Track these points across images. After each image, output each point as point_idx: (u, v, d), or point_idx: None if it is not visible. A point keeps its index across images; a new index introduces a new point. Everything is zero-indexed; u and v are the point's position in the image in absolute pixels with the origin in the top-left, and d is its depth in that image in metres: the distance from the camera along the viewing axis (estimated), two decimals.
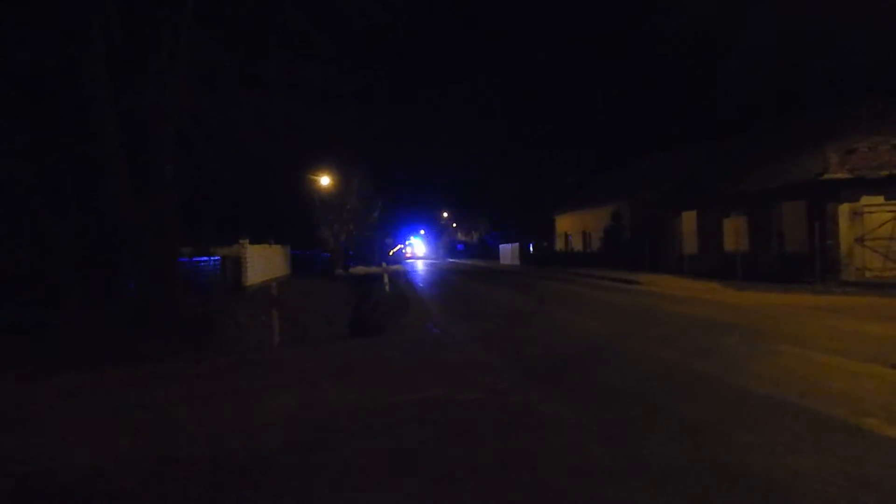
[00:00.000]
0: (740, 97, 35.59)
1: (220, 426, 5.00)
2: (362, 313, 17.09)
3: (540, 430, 4.65)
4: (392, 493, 3.58)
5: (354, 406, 5.50)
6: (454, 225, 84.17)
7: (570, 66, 71.64)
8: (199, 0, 11.06)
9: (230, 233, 19.52)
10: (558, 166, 53.69)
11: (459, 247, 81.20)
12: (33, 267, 10.84)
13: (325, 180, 32.63)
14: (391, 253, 69.11)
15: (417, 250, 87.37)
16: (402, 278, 29.08)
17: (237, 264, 19.38)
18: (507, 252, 54.16)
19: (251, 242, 20.46)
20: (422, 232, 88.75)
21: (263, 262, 22.58)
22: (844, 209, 16.93)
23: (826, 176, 17.07)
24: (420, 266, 51.05)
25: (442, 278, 30.78)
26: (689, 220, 24.52)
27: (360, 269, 41.01)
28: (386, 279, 22.85)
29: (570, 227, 40.81)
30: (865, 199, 16.77)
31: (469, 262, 61.18)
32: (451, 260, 68.49)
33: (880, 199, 16.63)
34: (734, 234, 20.96)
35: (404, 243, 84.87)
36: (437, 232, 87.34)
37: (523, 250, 50.38)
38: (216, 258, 18.14)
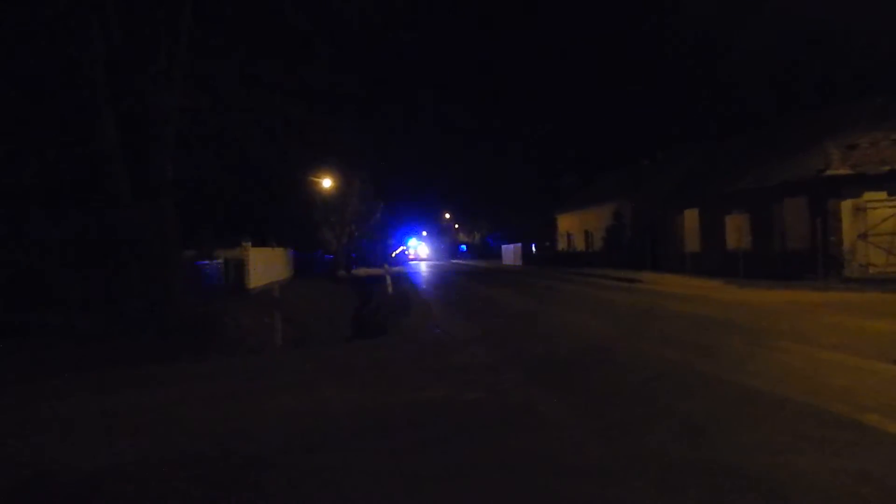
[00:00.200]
0: (741, 95, 35.55)
1: (222, 427, 4.99)
2: (364, 315, 17.11)
3: (541, 431, 4.64)
4: (392, 494, 3.57)
5: (355, 406, 5.49)
6: (456, 226, 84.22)
7: (570, 65, 71.64)
8: (199, 1, 11.08)
9: (232, 235, 19.53)
10: (559, 167, 53.66)
11: (462, 248, 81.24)
12: (33, 268, 10.85)
13: (326, 182, 32.67)
14: (393, 254, 69.15)
15: (420, 252, 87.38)
16: (405, 280, 29.08)
17: (239, 267, 19.40)
18: (510, 252, 54.16)
19: (253, 245, 20.48)
20: (424, 233, 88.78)
21: (266, 265, 22.59)
22: (847, 205, 16.87)
23: (828, 172, 17.00)
24: (423, 267, 51.04)
25: (444, 279, 30.77)
26: (690, 219, 24.47)
27: (362, 271, 41.04)
28: (388, 281, 22.88)
29: (572, 227, 40.78)
30: (868, 195, 16.71)
31: (471, 262, 61.17)
32: (454, 261, 68.47)
33: (883, 195, 16.58)
34: (736, 231, 20.92)
35: (407, 245, 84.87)
36: (440, 233, 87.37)
37: (525, 250, 50.39)
38: (218, 261, 18.17)
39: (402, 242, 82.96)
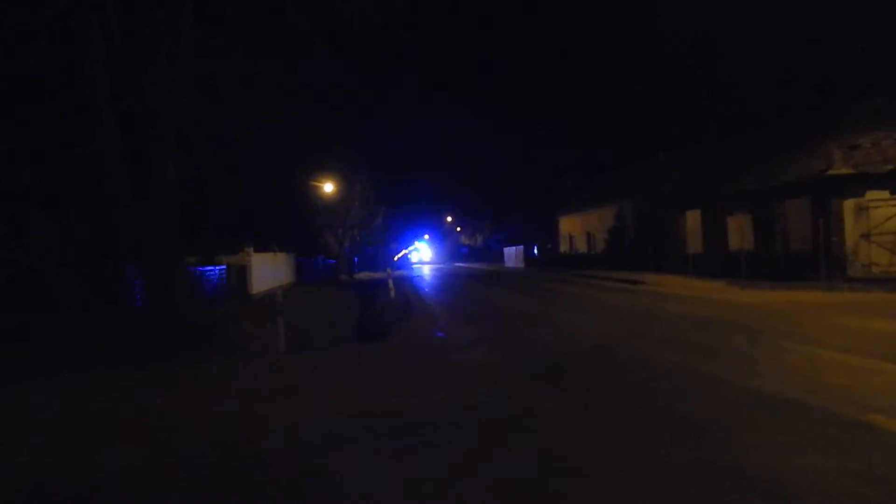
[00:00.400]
0: (742, 96, 35.52)
1: (223, 430, 4.99)
2: (366, 319, 17.10)
3: (542, 432, 4.63)
4: (394, 496, 3.56)
5: (357, 410, 5.49)
6: (458, 229, 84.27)
7: (571, 66, 71.73)
8: (199, 1, 11.10)
9: (234, 241, 19.59)
10: (560, 168, 53.67)
11: (463, 250, 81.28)
12: (33, 269, 10.87)
13: (328, 186, 32.75)
14: (396, 258, 69.16)
15: (423, 255, 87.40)
16: (407, 283, 29.08)
17: (242, 272, 19.44)
18: (512, 255, 54.17)
19: (255, 250, 20.52)
20: (426, 237, 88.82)
21: (268, 270, 22.63)
22: (849, 205, 16.84)
23: (830, 172, 16.98)
24: (425, 271, 51.05)
25: (446, 282, 30.77)
26: (692, 220, 24.45)
27: (364, 275, 41.08)
28: (391, 284, 22.86)
29: (574, 229, 40.76)
30: (870, 195, 16.67)
31: (473, 265, 61.17)
32: (456, 264, 68.48)
33: (885, 194, 16.54)
34: (738, 232, 20.89)
35: (409, 248, 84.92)
36: (442, 236, 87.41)
37: (527, 253, 50.40)
38: (221, 267, 18.21)
39: (404, 246, 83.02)
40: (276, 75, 13.08)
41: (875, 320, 9.55)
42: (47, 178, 11.02)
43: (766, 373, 6.14)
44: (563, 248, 42.59)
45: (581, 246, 39.09)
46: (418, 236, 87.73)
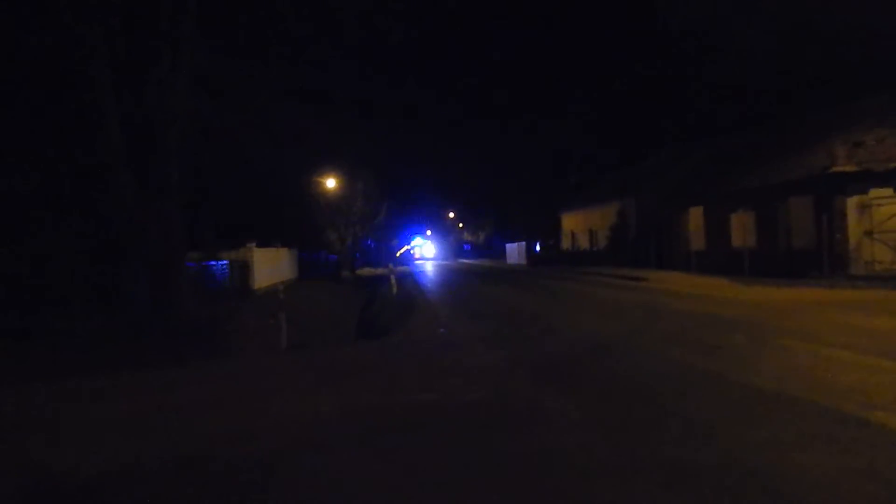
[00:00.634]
0: (745, 93, 35.42)
1: (225, 428, 5.01)
2: (369, 315, 17.12)
3: (545, 430, 4.63)
4: (396, 494, 3.57)
5: (359, 407, 5.50)
6: (460, 225, 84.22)
7: (572, 64, 71.54)
8: (202, 6, 11.12)
9: (237, 237, 19.61)
10: (564, 164, 53.57)
11: (466, 247, 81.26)
12: (38, 269, 10.91)
13: (330, 183, 32.75)
14: (398, 254, 69.20)
15: (425, 251, 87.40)
16: (409, 280, 29.09)
17: (244, 268, 19.47)
18: (514, 251, 54.14)
19: (258, 246, 20.54)
20: (428, 233, 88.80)
21: (270, 266, 22.66)
22: (852, 202, 16.80)
23: (833, 169, 16.93)
24: (427, 267, 51.06)
25: (448, 279, 30.77)
26: (695, 217, 24.41)
27: (366, 272, 41.11)
28: (393, 281, 22.87)
29: (576, 226, 40.72)
30: (874, 192, 16.62)
31: (475, 262, 61.16)
32: (459, 260, 68.47)
33: (889, 192, 16.49)
34: (741, 229, 20.86)
35: (411, 244, 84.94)
36: (444, 232, 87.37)
37: (529, 249, 50.36)
38: (223, 262, 18.24)
39: (406, 242, 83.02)
40: (279, 75, 13.10)
41: (877, 318, 9.53)
42: (52, 180, 11.05)
43: (769, 370, 6.14)
44: (566, 245, 42.55)
45: (583, 243, 39.05)
46: (420, 233, 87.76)
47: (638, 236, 30.57)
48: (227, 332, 11.65)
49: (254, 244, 20.07)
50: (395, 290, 20.96)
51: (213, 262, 17.58)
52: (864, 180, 16.61)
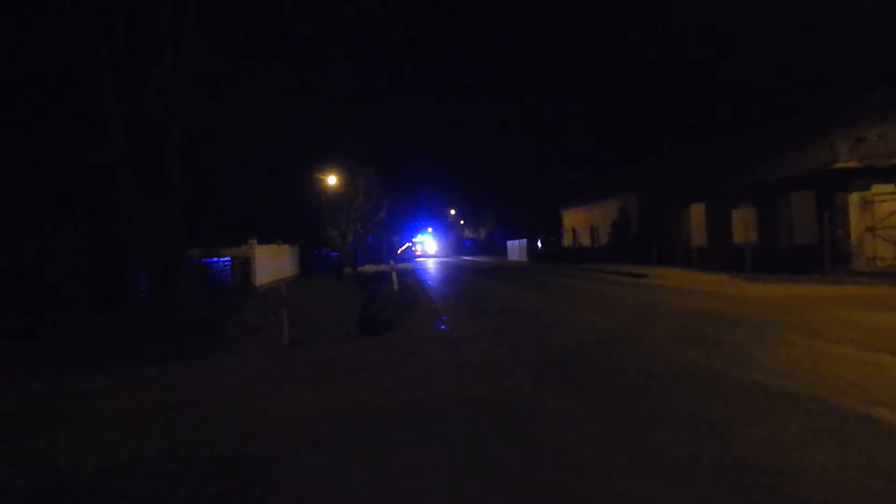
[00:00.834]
0: (747, 89, 35.32)
1: (228, 426, 5.02)
2: (371, 312, 17.13)
3: (548, 426, 4.64)
4: (397, 491, 3.58)
5: (362, 404, 5.51)
6: (461, 222, 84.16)
7: (573, 61, 71.35)
8: (202, 6, 11.11)
9: (238, 233, 19.62)
10: (565, 161, 53.46)
11: (467, 243, 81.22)
12: (41, 271, 10.94)
13: (332, 179, 32.72)
14: (399, 251, 69.17)
15: (427, 248, 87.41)
16: (411, 276, 29.10)
17: (246, 265, 19.49)
18: (515, 248, 54.12)
19: (259, 243, 20.55)
20: (429, 230, 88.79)
21: (272, 263, 22.68)
22: (854, 198, 16.77)
23: (835, 165, 16.90)
24: (429, 264, 51.06)
25: (449, 275, 30.78)
26: (697, 213, 24.38)
27: (368, 268, 41.11)
28: (394, 277, 22.88)
29: (578, 223, 40.70)
30: (876, 188, 16.61)
31: (477, 258, 61.14)
32: (461, 257, 68.48)
33: (891, 188, 16.47)
34: (743, 225, 20.84)
35: (412, 241, 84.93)
36: (445, 229, 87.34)
37: (531, 246, 50.34)
38: (225, 259, 18.26)
39: (407, 239, 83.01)
40: (279, 73, 13.09)
41: (879, 314, 9.53)
42: (52, 178, 11.06)
43: (770, 366, 6.14)
44: (567, 241, 42.53)
45: (584, 240, 39.04)
46: (422, 229, 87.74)
47: (639, 233, 30.55)
48: (229, 330, 11.67)
49: (255, 241, 20.09)
50: (396, 286, 20.96)
51: (214, 260, 17.59)
52: (866, 176, 16.58)
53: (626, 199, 32.34)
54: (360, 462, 4.04)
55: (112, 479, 3.93)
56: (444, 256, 75.23)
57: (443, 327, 10.97)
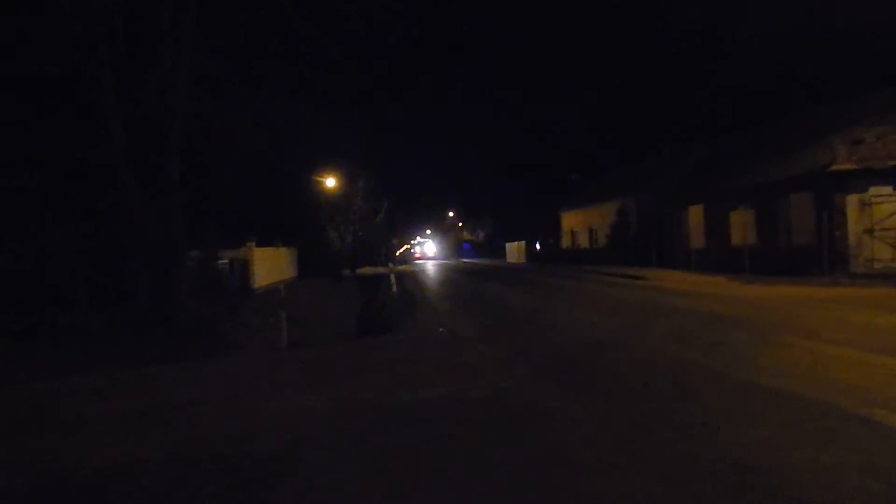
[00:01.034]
0: (745, 91, 35.40)
1: (227, 427, 5.02)
2: (369, 314, 17.13)
3: (546, 427, 4.64)
4: (397, 492, 3.58)
5: (362, 405, 5.51)
6: (460, 224, 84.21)
7: (572, 62, 71.46)
8: (203, 4, 11.11)
9: (237, 235, 19.60)
10: (564, 163, 53.54)
11: (465, 245, 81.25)
12: (40, 271, 10.92)
13: (330, 182, 32.70)
14: (398, 253, 69.17)
15: (425, 250, 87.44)
16: (409, 278, 29.10)
17: (244, 267, 19.47)
18: (514, 250, 54.14)
19: (258, 245, 20.54)
20: (428, 232, 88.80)
21: (270, 265, 22.66)
22: (853, 200, 16.80)
23: (833, 167, 16.93)
24: (427, 266, 51.07)
25: (448, 278, 30.78)
26: (695, 215, 24.40)
27: (367, 270, 41.07)
28: (393, 280, 22.88)
29: (576, 224, 40.72)
30: (874, 190, 16.63)
31: (475, 260, 61.18)
32: (458, 259, 68.48)
33: (889, 190, 16.49)
34: (741, 227, 20.85)
35: (411, 243, 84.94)
36: (444, 231, 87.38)
37: (529, 248, 50.37)
38: (223, 261, 18.24)
39: (406, 241, 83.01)
40: (279, 74, 13.09)
41: (877, 315, 9.54)
42: (52, 178, 11.04)
43: (769, 368, 6.15)
44: (566, 243, 42.54)
45: (583, 241, 39.05)
46: (420, 232, 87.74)
47: (638, 235, 30.56)
48: (228, 331, 11.66)
49: (254, 243, 20.07)
50: (395, 288, 20.96)
51: (213, 261, 17.57)
52: (865, 178, 16.61)
53: (625, 201, 32.36)
54: (360, 462, 4.04)
55: (112, 479, 3.93)
56: (443, 258, 75.25)
57: (441, 329, 10.97)
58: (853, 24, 25.56)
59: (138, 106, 10.65)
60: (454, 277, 30.56)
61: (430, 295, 19.22)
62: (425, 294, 19.48)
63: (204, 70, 11.57)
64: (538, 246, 49.57)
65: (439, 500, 3.44)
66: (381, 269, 40.48)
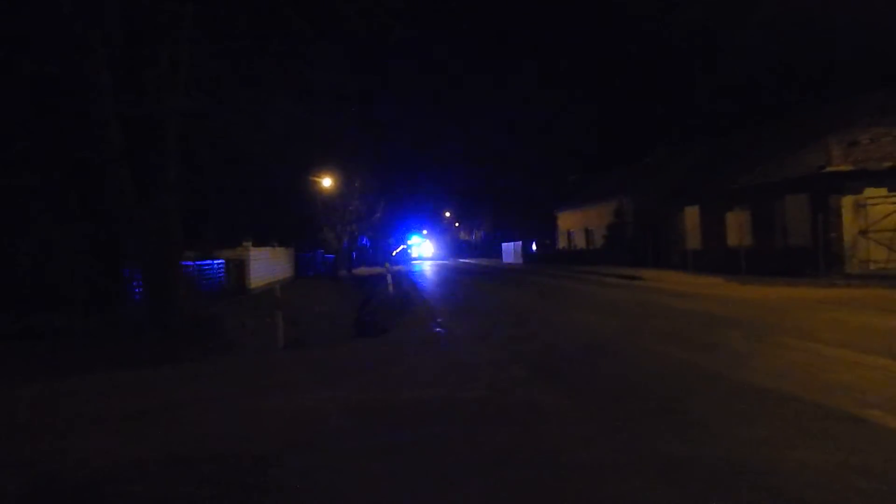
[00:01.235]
0: (742, 92, 35.53)
1: (225, 427, 5.01)
2: (366, 314, 17.11)
3: (545, 427, 4.65)
4: (395, 491, 3.58)
5: (357, 406, 5.51)
6: (457, 224, 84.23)
7: (570, 62, 71.57)
8: (202, 3, 11.07)
9: (233, 235, 19.56)
10: (561, 163, 53.60)
11: (462, 245, 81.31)
12: (37, 272, 10.89)
13: (327, 182, 32.66)
14: (394, 253, 69.20)
15: (421, 250, 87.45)
16: (406, 278, 29.09)
17: (240, 267, 19.43)
18: (510, 250, 54.18)
19: (254, 245, 20.50)
20: (424, 232, 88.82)
21: (267, 265, 22.63)
22: (848, 201, 16.88)
23: (829, 168, 17.02)
24: (423, 266, 51.08)
25: (444, 278, 30.79)
26: (691, 216, 24.47)
27: (363, 270, 41.08)
28: (389, 280, 22.87)
29: (573, 225, 40.79)
30: (869, 191, 16.71)
31: (472, 260, 61.22)
32: (455, 259, 68.53)
33: (884, 191, 16.58)
34: (737, 228, 20.92)
35: (407, 243, 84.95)
36: (440, 231, 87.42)
37: (526, 249, 50.41)
38: (220, 261, 18.21)
39: (402, 241, 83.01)
40: (276, 73, 13.05)
41: (872, 316, 9.59)
42: (49, 179, 11.00)
43: (764, 368, 6.17)
44: (562, 244, 42.61)
45: (580, 242, 39.11)
46: (417, 232, 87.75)
47: (635, 235, 30.64)
48: (224, 331, 11.63)
49: (250, 243, 20.03)
50: (391, 288, 20.95)
51: (209, 261, 17.54)
52: (859, 179, 16.70)
53: (622, 202, 32.43)
54: (358, 463, 4.04)
55: (111, 479, 3.92)
56: (440, 258, 75.26)
57: (437, 329, 10.97)
58: (850, 26, 25.67)
59: (136, 106, 10.61)
60: (451, 277, 30.57)
61: (426, 295, 19.22)
62: (421, 294, 19.48)
63: (202, 70, 11.54)
64: (534, 246, 49.62)
65: (439, 500, 3.45)
66: (377, 269, 40.46)
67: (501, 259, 55.86)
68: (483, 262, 55.62)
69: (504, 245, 56.85)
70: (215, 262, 17.95)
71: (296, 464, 4.06)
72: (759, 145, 23.57)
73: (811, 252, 17.35)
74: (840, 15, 25.15)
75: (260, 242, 21.63)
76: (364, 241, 50.14)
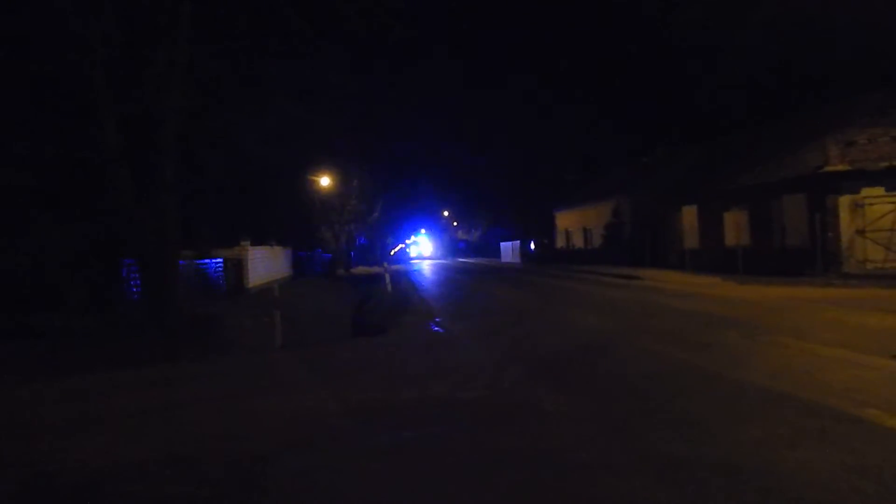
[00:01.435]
0: (740, 92, 35.59)
1: (225, 427, 5.02)
2: (364, 313, 17.11)
3: (542, 427, 4.67)
4: (394, 491, 3.59)
5: (355, 406, 5.52)
6: (455, 223, 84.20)
7: (569, 62, 71.51)
8: (199, 4, 11.06)
9: (231, 234, 19.54)
10: (559, 163, 53.60)
11: (460, 245, 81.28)
12: (36, 272, 10.87)
13: (325, 181, 32.65)
14: (392, 253, 69.15)
15: (420, 250, 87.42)
16: (404, 278, 29.09)
17: (238, 266, 19.40)
18: (508, 250, 54.19)
19: (252, 244, 20.48)
20: (423, 231, 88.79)
21: (265, 264, 22.60)
22: (845, 201, 16.92)
23: (826, 168, 17.06)
24: (422, 265, 51.07)
25: (442, 277, 30.80)
26: (689, 215, 24.50)
27: (361, 270, 41.06)
28: (388, 279, 22.86)
29: (571, 224, 40.81)
30: (866, 191, 16.76)
31: (470, 260, 61.24)
32: (453, 259, 68.53)
33: (881, 191, 16.62)
34: (735, 228, 20.96)
35: (406, 243, 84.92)
36: (438, 231, 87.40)
37: (524, 248, 50.43)
38: (217, 260, 18.18)
39: (401, 241, 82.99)
40: (275, 72, 13.04)
41: (870, 316, 9.62)
42: (50, 181, 10.98)
43: (762, 368, 6.19)
44: (560, 243, 42.62)
45: (578, 241, 39.13)
46: (415, 231, 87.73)
47: (633, 235, 30.66)
48: (222, 331, 11.62)
49: (248, 242, 20.00)
50: (390, 288, 20.95)
51: (207, 260, 17.53)
52: (857, 179, 16.74)
53: (620, 201, 32.45)
54: (357, 462, 4.05)
55: (110, 479, 3.93)
56: (438, 258, 75.27)
57: (436, 329, 10.99)
58: (847, 25, 25.70)
59: (134, 104, 10.60)
60: (449, 277, 30.57)
61: (425, 294, 19.23)
62: (420, 294, 19.49)
63: (200, 69, 11.53)
64: (533, 246, 49.63)
65: (439, 500, 3.46)
66: (375, 269, 40.45)
67: (500, 259, 55.88)
68: (481, 261, 55.64)
69: (502, 244, 56.86)
70: (213, 261, 17.93)
71: (295, 464, 4.07)
72: (758, 145, 23.61)
73: (809, 252, 17.39)
74: (840, 15, 25.17)
75: (258, 242, 21.60)
76: (362, 241, 50.12)
